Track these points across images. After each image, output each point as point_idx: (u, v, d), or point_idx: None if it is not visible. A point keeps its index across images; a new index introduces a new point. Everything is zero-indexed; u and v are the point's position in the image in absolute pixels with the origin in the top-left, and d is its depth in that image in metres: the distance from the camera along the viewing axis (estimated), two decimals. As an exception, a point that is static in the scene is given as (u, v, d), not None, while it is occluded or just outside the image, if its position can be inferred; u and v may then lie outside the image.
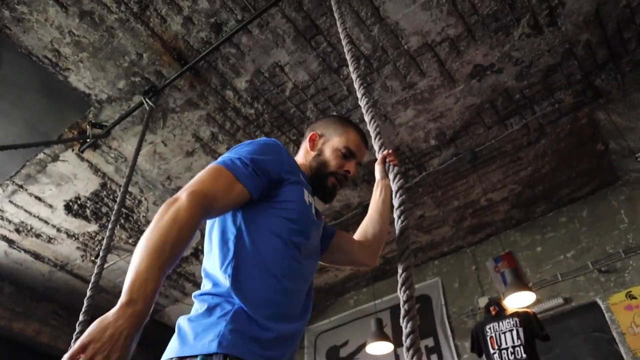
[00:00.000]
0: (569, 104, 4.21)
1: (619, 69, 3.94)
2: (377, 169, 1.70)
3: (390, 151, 1.56)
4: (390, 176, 1.44)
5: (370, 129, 1.56)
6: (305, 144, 1.64)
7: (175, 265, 1.11)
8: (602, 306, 4.68)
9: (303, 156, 1.62)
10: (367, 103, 1.66)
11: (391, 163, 1.50)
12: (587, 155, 4.81)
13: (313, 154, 1.60)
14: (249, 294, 1.16)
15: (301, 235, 1.31)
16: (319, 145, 1.61)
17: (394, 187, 1.33)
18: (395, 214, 1.25)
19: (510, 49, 3.71)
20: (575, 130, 4.50)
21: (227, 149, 4.28)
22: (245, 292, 1.17)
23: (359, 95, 1.70)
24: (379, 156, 1.58)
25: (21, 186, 4.53)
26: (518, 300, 4.08)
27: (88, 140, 4.01)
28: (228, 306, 1.14)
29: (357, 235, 1.75)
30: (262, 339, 1.12)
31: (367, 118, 1.61)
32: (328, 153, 1.58)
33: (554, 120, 4.38)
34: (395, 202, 1.28)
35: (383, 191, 1.73)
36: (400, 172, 1.41)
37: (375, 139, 1.53)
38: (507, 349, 3.84)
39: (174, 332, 1.16)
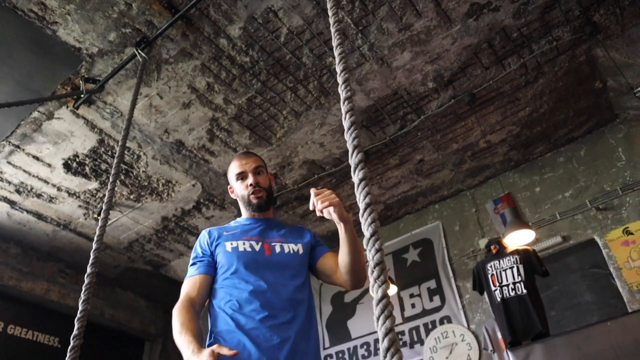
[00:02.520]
0: (566, 41, 4.15)
1: (617, 3, 3.86)
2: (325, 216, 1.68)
3: (315, 192, 1.63)
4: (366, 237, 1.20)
5: (342, 93, 1.34)
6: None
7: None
8: (600, 243, 4.77)
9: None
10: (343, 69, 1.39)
11: (320, 210, 1.60)
12: (585, 94, 4.78)
13: (236, 198, 2.08)
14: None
15: (230, 271, 1.82)
16: (232, 190, 2.10)
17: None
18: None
19: (508, -15, 3.62)
20: (573, 69, 4.45)
21: (224, 99, 4.26)
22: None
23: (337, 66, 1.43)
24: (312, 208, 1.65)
25: (18, 146, 4.51)
26: (518, 239, 4.16)
27: (82, 95, 3.96)
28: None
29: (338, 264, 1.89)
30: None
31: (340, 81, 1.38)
32: (236, 188, 2.06)
33: (552, 59, 4.33)
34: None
35: (340, 232, 1.75)
36: (374, 234, 1.09)
37: (344, 102, 1.31)
38: (507, 285, 3.94)
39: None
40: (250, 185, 1.99)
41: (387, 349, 0.86)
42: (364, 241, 1.10)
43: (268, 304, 1.72)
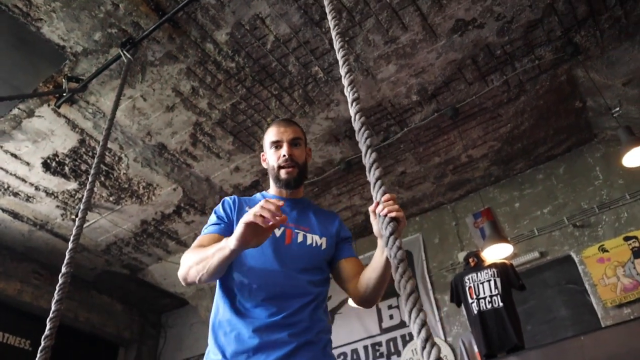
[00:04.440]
0: (548, 60, 4.24)
1: (598, 26, 3.96)
2: (372, 222, 1.36)
3: (387, 198, 1.24)
4: (384, 235, 1.13)
5: (348, 95, 1.34)
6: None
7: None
8: (576, 259, 4.85)
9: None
10: (347, 72, 1.40)
11: (387, 214, 1.22)
12: (565, 113, 4.87)
13: (267, 166, 1.89)
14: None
15: (244, 253, 1.62)
16: (265, 158, 1.90)
17: (390, 256, 1.05)
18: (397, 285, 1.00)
19: (492, 4, 3.69)
20: (554, 87, 4.54)
21: (208, 104, 4.25)
22: None
23: (339, 57, 1.45)
24: (371, 207, 1.32)
25: (-4, 143, 4.44)
26: (496, 252, 4.20)
27: (64, 94, 3.92)
28: None
29: (360, 278, 1.69)
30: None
31: (346, 84, 1.37)
32: (268, 157, 1.85)
33: (534, 77, 4.41)
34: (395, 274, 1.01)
35: (382, 253, 1.51)
36: (393, 232, 1.10)
37: (352, 104, 1.30)
38: (484, 298, 3.97)
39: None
40: (284, 156, 1.78)
41: (426, 340, 0.86)
42: (383, 240, 1.10)
43: (277, 296, 1.59)
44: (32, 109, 4.15)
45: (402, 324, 5.56)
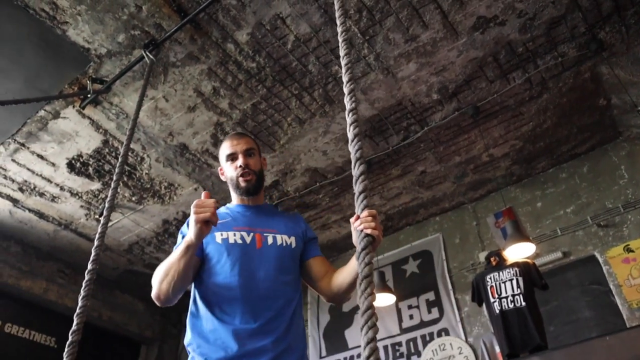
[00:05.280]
0: (572, 57, 4.18)
1: (623, 22, 3.89)
2: (352, 232, 1.36)
3: (366, 214, 1.24)
4: (357, 249, 1.13)
5: (347, 104, 1.31)
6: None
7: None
8: (600, 259, 4.76)
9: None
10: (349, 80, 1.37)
11: (362, 229, 1.24)
12: (589, 111, 4.79)
13: (225, 179, 1.99)
14: None
15: (219, 264, 1.74)
16: (223, 172, 2.00)
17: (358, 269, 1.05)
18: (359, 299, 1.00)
19: (514, 0, 3.65)
20: (577, 85, 4.48)
21: (229, 104, 4.28)
22: None
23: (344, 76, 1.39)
24: (352, 219, 1.35)
25: (23, 144, 4.53)
26: (518, 251, 4.15)
27: (89, 95, 3.99)
28: None
29: (332, 277, 1.82)
30: None
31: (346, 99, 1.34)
32: (226, 170, 1.97)
33: (557, 75, 4.35)
34: (358, 288, 1.02)
35: (354, 262, 1.63)
36: (365, 248, 1.09)
37: (348, 114, 1.28)
38: (506, 297, 3.93)
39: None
40: (240, 167, 1.89)
41: (367, 358, 0.88)
42: (356, 254, 1.10)
43: (255, 302, 1.66)
44: (58, 110, 4.23)
45: (422, 324, 5.53)
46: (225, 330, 1.62)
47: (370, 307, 0.95)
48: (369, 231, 1.21)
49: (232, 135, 2.00)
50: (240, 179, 1.90)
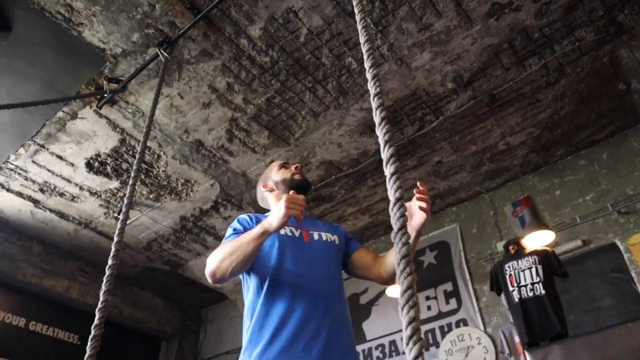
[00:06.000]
0: (590, 42, 4.11)
1: (643, 3, 3.82)
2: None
3: (424, 188, 1.71)
4: (394, 230, 1.12)
5: (371, 89, 1.35)
6: (261, 194, 2.22)
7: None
8: (621, 247, 4.70)
9: (263, 199, 2.21)
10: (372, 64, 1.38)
11: (425, 200, 1.68)
12: (608, 96, 4.72)
13: (271, 188, 2.17)
14: None
15: (272, 256, 1.83)
16: (268, 185, 2.18)
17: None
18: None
19: (529, -15, 3.61)
20: (596, 70, 4.40)
21: (243, 99, 4.30)
22: None
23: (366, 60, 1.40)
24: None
25: (42, 145, 4.60)
26: (537, 239, 4.12)
27: (105, 95, 4.03)
28: None
29: (384, 261, 1.91)
30: None
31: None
32: (277, 176, 2.16)
33: (574, 60, 4.28)
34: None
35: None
36: (401, 228, 1.06)
37: (374, 98, 1.32)
38: (526, 285, 3.90)
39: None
40: (296, 167, 2.15)
41: (410, 337, 0.87)
42: (392, 234, 1.10)
43: (310, 286, 1.76)
44: (76, 111, 4.28)
45: (440, 315, 5.51)
46: (282, 312, 1.70)
47: (411, 286, 0.95)
48: (424, 205, 1.61)
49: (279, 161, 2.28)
50: (297, 175, 2.12)
